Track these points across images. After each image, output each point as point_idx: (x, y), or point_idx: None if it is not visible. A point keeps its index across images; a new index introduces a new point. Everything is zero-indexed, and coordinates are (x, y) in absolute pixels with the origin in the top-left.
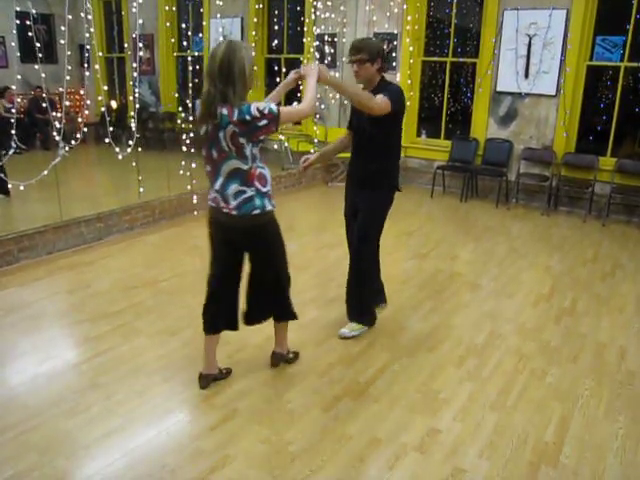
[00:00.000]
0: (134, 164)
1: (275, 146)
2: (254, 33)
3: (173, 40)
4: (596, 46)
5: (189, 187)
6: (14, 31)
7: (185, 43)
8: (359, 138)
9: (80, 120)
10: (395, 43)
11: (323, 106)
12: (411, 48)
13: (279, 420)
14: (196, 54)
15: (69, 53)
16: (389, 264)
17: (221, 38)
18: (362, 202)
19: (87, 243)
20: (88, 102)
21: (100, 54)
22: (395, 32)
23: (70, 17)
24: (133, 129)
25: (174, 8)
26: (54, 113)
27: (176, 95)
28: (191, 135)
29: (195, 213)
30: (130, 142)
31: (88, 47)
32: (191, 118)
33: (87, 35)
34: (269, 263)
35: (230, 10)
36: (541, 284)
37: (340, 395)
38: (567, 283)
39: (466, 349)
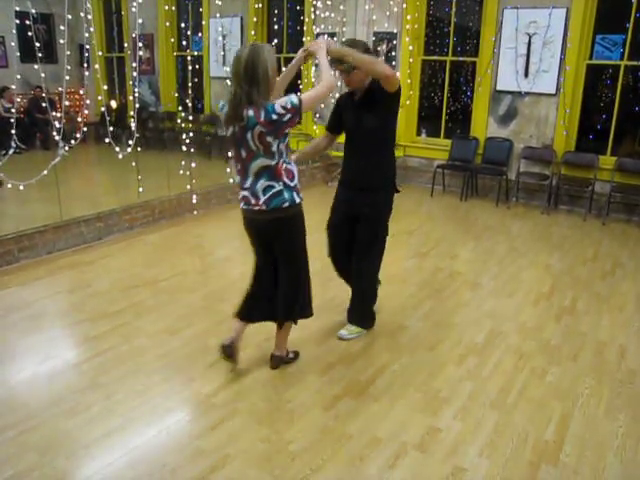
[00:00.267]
0: (134, 164)
1: None
2: (253, 32)
3: (173, 40)
4: (596, 45)
5: (189, 187)
6: (14, 31)
7: (185, 43)
8: (353, 137)
9: (80, 120)
10: (395, 42)
11: (323, 106)
12: (411, 47)
13: (279, 419)
14: (196, 54)
15: (69, 53)
16: (389, 263)
17: (220, 38)
18: (365, 207)
19: (87, 243)
20: (88, 102)
21: (100, 54)
22: (395, 31)
23: (70, 17)
24: (133, 129)
25: (174, 8)
26: (54, 113)
27: (176, 95)
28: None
29: (195, 213)
30: (130, 142)
31: (88, 47)
32: (191, 117)
33: (87, 35)
34: (289, 255)
35: (230, 9)
36: (541, 283)
37: (340, 394)
38: (567, 282)
39: (466, 348)
